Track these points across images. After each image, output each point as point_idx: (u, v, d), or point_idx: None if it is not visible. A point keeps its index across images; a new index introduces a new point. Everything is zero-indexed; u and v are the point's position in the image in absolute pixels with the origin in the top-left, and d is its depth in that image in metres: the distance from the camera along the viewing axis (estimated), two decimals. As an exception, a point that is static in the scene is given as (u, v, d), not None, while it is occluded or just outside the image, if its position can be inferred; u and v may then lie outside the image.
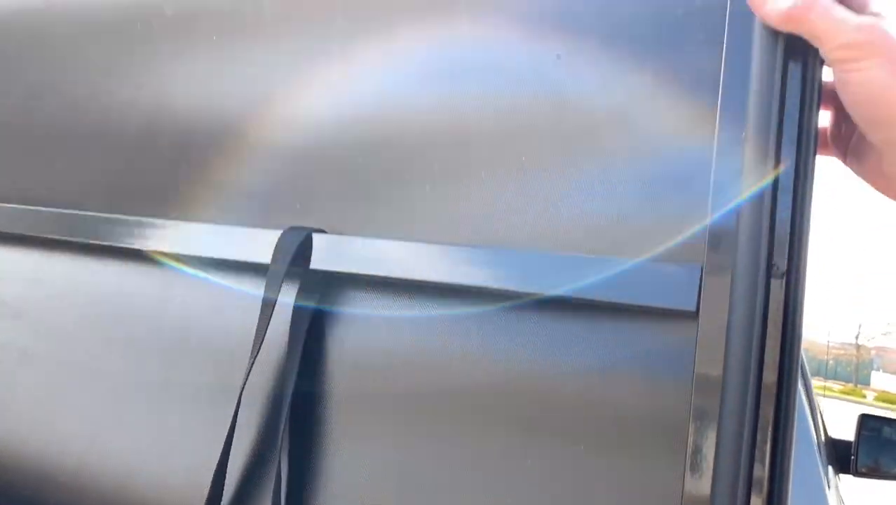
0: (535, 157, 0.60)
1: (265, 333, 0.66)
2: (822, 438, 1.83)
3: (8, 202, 0.90)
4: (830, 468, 1.76)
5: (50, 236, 0.85)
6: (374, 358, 0.65)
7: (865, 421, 2.02)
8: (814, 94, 0.49)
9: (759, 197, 0.48)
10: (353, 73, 0.70)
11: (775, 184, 0.48)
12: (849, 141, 0.56)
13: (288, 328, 0.67)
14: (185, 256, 0.75)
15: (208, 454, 0.68)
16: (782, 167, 0.48)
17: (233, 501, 0.68)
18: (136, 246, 0.77)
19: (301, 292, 0.68)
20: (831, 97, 0.53)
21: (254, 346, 0.66)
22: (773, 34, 0.49)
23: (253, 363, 0.66)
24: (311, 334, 0.67)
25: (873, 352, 53.13)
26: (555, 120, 0.60)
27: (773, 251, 0.48)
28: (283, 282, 0.66)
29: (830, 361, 52.08)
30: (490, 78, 0.63)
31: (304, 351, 0.66)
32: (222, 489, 0.67)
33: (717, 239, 0.49)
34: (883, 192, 0.54)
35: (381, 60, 0.69)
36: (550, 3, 0.61)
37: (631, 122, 0.57)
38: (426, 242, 0.63)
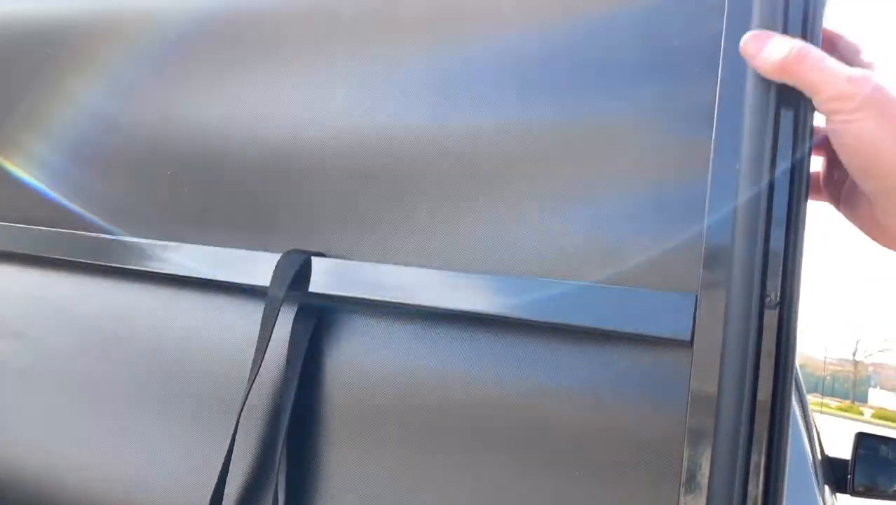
0: (532, 185, 0.61)
1: (264, 355, 0.66)
2: (819, 456, 1.82)
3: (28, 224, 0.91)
4: (826, 487, 1.76)
5: (51, 256, 0.85)
6: (371, 381, 0.66)
7: (862, 439, 2.01)
8: (806, 129, 0.50)
9: (753, 227, 0.49)
10: (354, 98, 0.71)
11: (769, 215, 0.49)
12: (841, 187, 0.57)
13: (286, 351, 0.68)
14: (185, 277, 0.75)
15: (207, 475, 0.68)
16: (776, 198, 0.49)
17: None
18: (137, 267, 0.78)
19: (299, 315, 0.69)
20: (824, 143, 0.53)
21: (252, 367, 0.67)
22: None
23: (252, 385, 0.66)
24: (309, 357, 0.68)
25: (871, 368, 52.97)
26: (552, 149, 0.61)
27: (766, 282, 0.48)
28: (281, 305, 0.66)
29: (827, 378, 51.93)
30: (488, 105, 0.64)
31: (301, 373, 0.67)
32: (220, 510, 0.67)
33: (712, 268, 0.50)
34: (876, 240, 0.54)
35: (380, 85, 0.70)
36: (548, 34, 0.62)
37: (626, 152, 0.58)
38: (423, 267, 0.63)
